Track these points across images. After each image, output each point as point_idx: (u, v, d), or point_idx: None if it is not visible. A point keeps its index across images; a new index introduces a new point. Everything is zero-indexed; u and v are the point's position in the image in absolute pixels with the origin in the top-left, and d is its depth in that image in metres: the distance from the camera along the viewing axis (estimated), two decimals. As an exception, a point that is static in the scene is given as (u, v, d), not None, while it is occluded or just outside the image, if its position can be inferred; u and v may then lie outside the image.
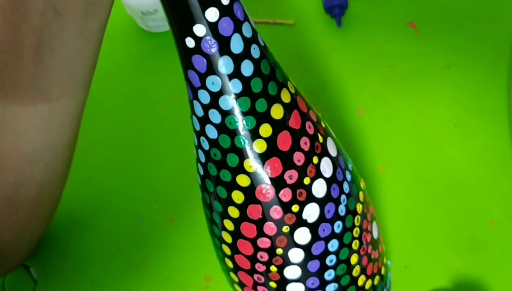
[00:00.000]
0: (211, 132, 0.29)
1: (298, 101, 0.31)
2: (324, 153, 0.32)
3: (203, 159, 0.32)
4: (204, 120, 0.29)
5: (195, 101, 0.29)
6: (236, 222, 0.32)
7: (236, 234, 0.32)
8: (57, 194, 0.49)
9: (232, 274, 0.36)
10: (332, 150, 0.33)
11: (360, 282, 0.37)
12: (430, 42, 0.62)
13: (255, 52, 0.28)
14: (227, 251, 0.34)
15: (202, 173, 0.33)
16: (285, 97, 0.29)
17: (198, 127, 0.30)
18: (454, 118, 0.58)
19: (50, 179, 0.45)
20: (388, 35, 0.63)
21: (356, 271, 0.36)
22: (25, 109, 0.38)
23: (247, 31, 0.28)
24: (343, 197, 0.33)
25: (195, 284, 0.52)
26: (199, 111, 0.29)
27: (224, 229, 0.33)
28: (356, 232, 0.35)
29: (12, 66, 0.36)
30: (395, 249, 0.52)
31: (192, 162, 0.57)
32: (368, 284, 0.38)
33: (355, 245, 0.35)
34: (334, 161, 0.33)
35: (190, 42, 0.27)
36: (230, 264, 0.35)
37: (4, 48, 0.36)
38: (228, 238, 0.33)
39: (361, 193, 0.35)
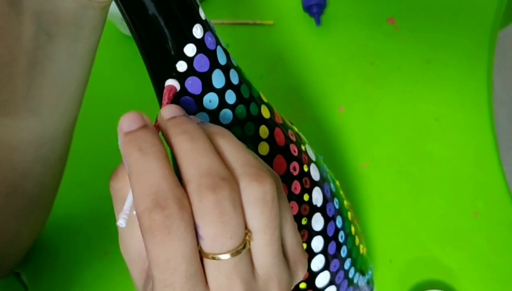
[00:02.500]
0: None
1: (275, 114, 0.33)
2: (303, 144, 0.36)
3: None
4: None
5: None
6: None
7: None
8: (48, 205, 0.49)
9: None
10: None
11: (361, 250, 0.40)
12: (409, 38, 0.62)
13: (234, 78, 0.30)
14: None
15: None
16: (265, 113, 0.32)
17: None
18: (436, 112, 0.58)
19: (40, 190, 0.46)
20: (368, 32, 0.63)
21: (357, 241, 0.39)
22: (17, 124, 0.39)
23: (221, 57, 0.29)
24: (328, 176, 0.37)
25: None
26: None
27: None
28: (346, 204, 0.39)
29: (5, 84, 0.37)
30: (380, 244, 0.52)
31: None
32: (365, 250, 0.42)
33: (349, 215, 0.38)
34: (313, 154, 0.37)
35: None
36: None
37: None
38: None
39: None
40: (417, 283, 0.50)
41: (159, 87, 0.29)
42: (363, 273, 0.41)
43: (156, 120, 0.26)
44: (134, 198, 0.23)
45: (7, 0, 0.34)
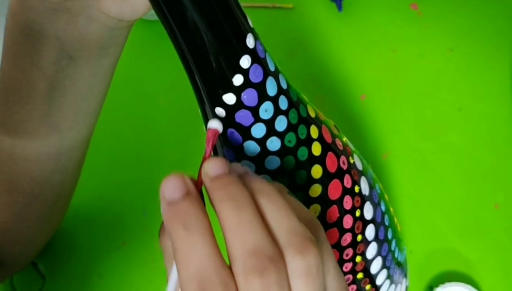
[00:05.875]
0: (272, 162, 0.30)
1: (319, 114, 0.33)
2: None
3: None
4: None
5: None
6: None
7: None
8: (66, 206, 0.49)
9: None
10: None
11: (398, 228, 0.41)
12: (432, 24, 0.61)
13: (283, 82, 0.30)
14: None
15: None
16: (311, 112, 0.32)
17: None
18: (458, 102, 0.57)
19: (59, 195, 0.45)
20: (390, 18, 0.62)
21: (395, 220, 0.40)
22: (35, 141, 0.38)
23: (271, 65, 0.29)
24: (365, 163, 0.37)
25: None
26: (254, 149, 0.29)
27: None
28: (381, 187, 0.39)
29: (23, 105, 0.36)
30: (400, 235, 0.52)
31: (194, 150, 0.57)
32: (399, 228, 0.43)
33: (386, 197, 0.39)
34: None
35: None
36: None
37: (14, 89, 0.35)
38: None
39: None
40: (436, 275, 0.51)
41: (206, 105, 0.28)
42: (401, 251, 0.42)
43: (199, 174, 0.25)
44: (179, 280, 0.22)
45: (20, 30, 0.32)
